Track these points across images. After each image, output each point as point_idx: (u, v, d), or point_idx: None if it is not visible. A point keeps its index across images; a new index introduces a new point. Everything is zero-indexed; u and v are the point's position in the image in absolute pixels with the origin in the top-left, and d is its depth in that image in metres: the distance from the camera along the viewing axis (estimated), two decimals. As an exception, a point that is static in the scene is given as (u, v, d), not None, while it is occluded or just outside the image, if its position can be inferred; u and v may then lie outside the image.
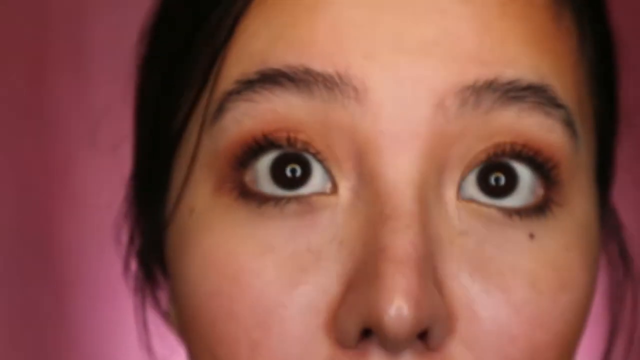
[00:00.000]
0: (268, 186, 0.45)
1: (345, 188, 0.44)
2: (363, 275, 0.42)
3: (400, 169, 0.43)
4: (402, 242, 0.42)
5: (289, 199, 0.44)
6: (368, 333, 0.42)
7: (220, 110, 0.46)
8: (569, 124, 0.46)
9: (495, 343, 0.44)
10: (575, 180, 0.47)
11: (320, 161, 0.45)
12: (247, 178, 0.45)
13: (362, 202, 0.44)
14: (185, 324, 0.47)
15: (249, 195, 0.45)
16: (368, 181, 0.44)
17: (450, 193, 0.44)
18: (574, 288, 0.45)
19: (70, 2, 0.95)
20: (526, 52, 0.45)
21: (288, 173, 0.45)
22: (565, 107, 0.46)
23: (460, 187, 0.45)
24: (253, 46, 0.46)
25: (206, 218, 0.46)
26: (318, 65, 0.44)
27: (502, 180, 0.45)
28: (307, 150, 0.44)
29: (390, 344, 0.42)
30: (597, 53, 0.51)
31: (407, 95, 0.43)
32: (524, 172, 0.45)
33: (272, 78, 0.44)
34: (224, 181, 0.46)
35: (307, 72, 0.44)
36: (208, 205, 0.46)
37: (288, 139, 0.44)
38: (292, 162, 0.45)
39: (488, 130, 0.44)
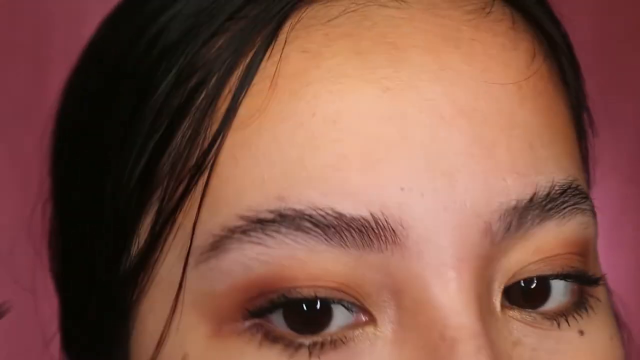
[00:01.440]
0: (284, 329, 0.39)
1: (384, 319, 0.40)
2: None
3: (452, 293, 0.39)
4: None
5: (322, 344, 0.39)
6: None
7: (218, 248, 0.40)
8: (594, 209, 0.44)
9: None
10: (599, 267, 0.46)
11: (347, 303, 0.40)
12: (259, 321, 0.40)
13: (409, 331, 0.40)
14: None
15: (269, 341, 0.39)
16: (413, 310, 0.40)
17: (497, 305, 0.42)
18: None
19: (70, 2, 0.95)
20: (549, 144, 0.43)
21: (306, 316, 0.39)
22: (589, 197, 0.44)
23: (503, 301, 0.42)
24: (262, 169, 0.39)
25: None
26: (350, 207, 0.39)
27: (534, 283, 0.43)
28: (333, 298, 0.39)
29: None
30: (575, 95, 0.49)
31: (451, 224, 0.40)
32: (557, 283, 0.43)
33: (293, 222, 0.39)
34: (226, 324, 0.40)
35: (338, 217, 0.38)
36: (206, 351, 0.41)
37: (315, 294, 0.39)
38: (309, 306, 0.40)
39: (532, 245, 0.42)
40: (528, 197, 0.41)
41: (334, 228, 0.39)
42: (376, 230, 0.39)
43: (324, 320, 0.40)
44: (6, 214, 0.95)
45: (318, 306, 0.39)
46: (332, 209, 0.39)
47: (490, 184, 0.41)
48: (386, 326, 0.40)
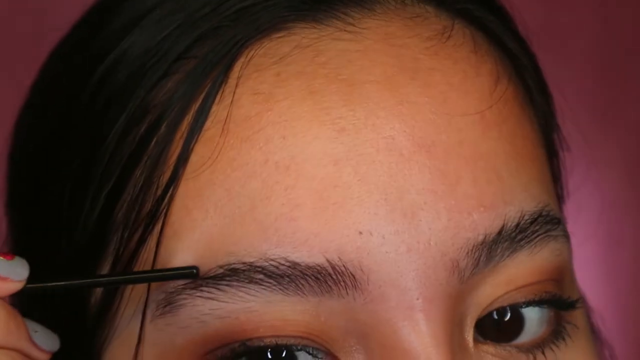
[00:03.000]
0: None
1: None
2: None
3: (422, 335, 0.39)
4: None
5: None
6: None
7: (171, 303, 0.38)
8: (567, 233, 0.43)
9: None
10: (577, 289, 0.45)
11: (311, 349, 0.39)
12: None
13: None
14: None
15: None
16: (383, 355, 0.39)
17: (469, 340, 0.41)
18: None
19: (70, 2, 0.94)
20: (516, 173, 0.42)
21: (268, 354, 0.38)
22: (561, 221, 0.43)
23: (475, 336, 0.42)
24: (211, 223, 0.38)
25: None
26: (304, 255, 0.37)
27: (508, 315, 0.42)
28: (296, 344, 0.38)
29: None
30: (543, 116, 0.47)
31: (416, 264, 0.39)
32: (532, 312, 0.42)
33: (244, 275, 0.37)
34: None
35: (292, 266, 0.37)
36: None
37: (276, 342, 0.38)
38: (273, 352, 0.38)
39: (503, 278, 0.41)
40: (496, 230, 0.41)
41: (289, 277, 0.37)
42: (334, 277, 0.38)
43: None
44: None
45: (283, 354, 0.38)
46: (285, 259, 0.37)
47: (455, 221, 0.40)
48: None
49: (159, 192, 0.39)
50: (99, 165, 0.39)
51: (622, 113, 0.98)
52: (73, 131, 0.41)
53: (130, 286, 0.38)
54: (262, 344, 0.38)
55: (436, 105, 0.40)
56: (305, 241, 0.37)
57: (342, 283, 0.38)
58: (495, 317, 0.41)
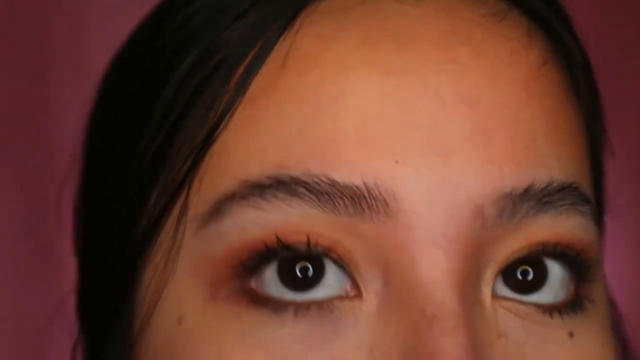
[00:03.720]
0: (275, 288, 0.40)
1: (370, 293, 0.41)
2: None
3: (439, 272, 0.40)
4: (453, 346, 0.39)
5: (308, 305, 0.40)
6: None
7: (217, 213, 0.41)
8: (597, 217, 0.44)
9: None
10: (601, 274, 0.46)
11: (338, 264, 0.41)
12: (253, 284, 0.41)
13: (393, 307, 0.40)
14: None
15: (259, 301, 0.40)
16: (399, 285, 0.40)
17: (486, 294, 0.42)
18: None
19: (70, 2, 0.95)
20: (554, 144, 0.44)
21: (298, 273, 0.41)
22: (592, 202, 0.44)
23: (494, 289, 0.42)
24: (264, 141, 0.41)
25: (203, 328, 0.41)
26: (344, 175, 0.40)
27: (530, 275, 0.43)
28: (326, 255, 0.40)
29: None
30: (591, 114, 0.49)
31: (445, 203, 0.40)
32: (554, 267, 0.43)
33: (288, 187, 0.40)
34: (222, 288, 0.41)
35: (332, 184, 0.40)
36: (202, 314, 0.42)
37: (308, 245, 0.40)
38: (302, 260, 0.41)
39: (525, 235, 0.42)
40: (524, 186, 0.42)
41: (327, 195, 0.40)
42: (368, 200, 0.40)
43: (316, 276, 0.41)
44: (6, 213, 0.95)
45: (311, 266, 0.40)
46: (326, 176, 0.40)
47: (486, 169, 0.41)
48: (371, 301, 0.41)
49: (216, 117, 0.42)
50: (170, 91, 0.43)
51: (623, 115, 0.98)
52: (153, 62, 0.45)
53: (180, 200, 0.42)
54: (293, 247, 0.40)
55: (484, 69, 0.43)
56: (345, 163, 0.40)
57: (375, 207, 0.40)
58: (520, 276, 0.43)
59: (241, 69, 0.42)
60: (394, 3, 0.43)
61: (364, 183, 0.40)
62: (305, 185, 0.40)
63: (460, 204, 0.41)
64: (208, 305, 0.41)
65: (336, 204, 0.40)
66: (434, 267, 0.40)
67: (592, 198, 0.45)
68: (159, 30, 0.46)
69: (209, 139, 0.42)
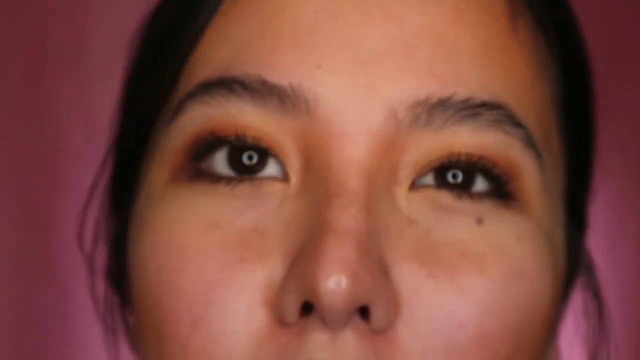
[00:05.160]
0: (224, 170, 0.46)
1: (295, 177, 0.45)
2: (305, 251, 0.43)
3: (346, 159, 0.44)
4: (344, 215, 0.43)
5: (241, 179, 0.45)
6: (309, 310, 0.42)
7: (179, 110, 0.47)
8: (530, 143, 0.46)
9: (443, 329, 0.43)
10: (540, 200, 0.47)
11: (272, 154, 0.46)
12: (203, 165, 0.46)
13: (309, 189, 0.45)
14: (136, 306, 0.48)
15: (202, 175, 0.46)
16: (317, 171, 0.45)
17: (402, 188, 0.45)
18: (526, 279, 0.45)
19: (70, 2, 0.94)
20: (481, 66, 0.46)
21: (245, 160, 0.46)
22: (525, 127, 0.46)
23: (414, 183, 0.45)
24: (221, 52, 0.47)
25: (160, 200, 0.47)
26: (274, 76, 0.45)
27: (460, 177, 0.45)
28: (257, 145, 0.46)
29: (328, 317, 0.41)
30: (564, 75, 0.50)
31: (359, 104, 0.44)
32: (478, 178, 0.46)
33: (228, 85, 0.46)
34: (179, 171, 0.47)
35: (263, 82, 0.45)
36: (163, 191, 0.47)
37: (237, 135, 0.46)
38: (249, 150, 0.46)
39: (443, 144, 0.45)
40: (441, 96, 0.45)
41: (259, 92, 0.45)
42: (292, 98, 0.45)
43: (260, 164, 0.46)
44: (6, 213, 0.95)
45: (255, 152, 0.46)
46: (259, 77, 0.45)
47: (403, 78, 0.45)
48: (295, 184, 0.45)
49: (195, 29, 0.49)
50: (170, 21, 0.51)
51: (622, 111, 0.98)
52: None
53: (166, 106, 0.49)
54: (234, 137, 0.46)
55: None
56: (277, 67, 0.45)
57: (299, 105, 0.45)
58: (450, 179, 0.46)
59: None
60: None
61: (290, 84, 0.45)
62: (242, 84, 0.45)
63: (375, 106, 0.45)
64: (168, 186, 0.47)
65: (267, 100, 0.45)
66: (343, 154, 0.44)
67: (534, 130, 0.47)
68: None
69: (189, 48, 0.48)
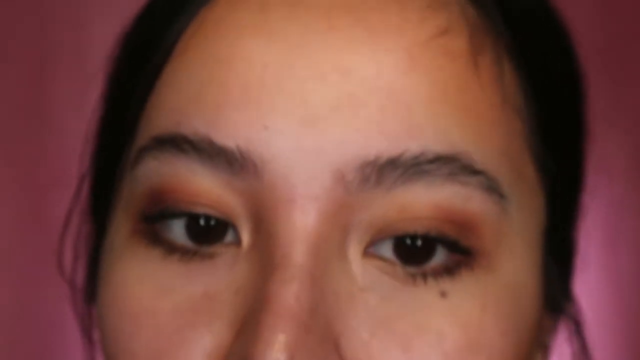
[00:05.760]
0: (180, 238, 0.45)
1: (246, 239, 0.44)
2: (249, 324, 0.42)
3: (294, 226, 0.43)
4: (285, 294, 0.42)
5: (195, 251, 0.45)
6: None
7: (136, 161, 0.46)
8: (490, 188, 0.45)
9: None
10: (502, 245, 0.46)
11: (225, 220, 0.45)
12: (158, 227, 0.46)
13: (259, 254, 0.44)
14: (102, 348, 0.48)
15: (158, 242, 0.45)
16: (265, 238, 0.43)
17: (354, 251, 0.44)
18: (485, 349, 0.44)
19: (70, 2, 0.94)
20: (435, 116, 0.44)
21: (201, 225, 0.45)
22: (485, 172, 0.45)
23: (372, 247, 0.44)
24: (173, 100, 0.46)
25: (119, 259, 0.47)
26: (221, 136, 0.44)
27: (419, 242, 0.44)
28: (210, 213, 0.45)
29: None
30: (540, 100, 0.48)
31: (305, 167, 0.43)
32: (441, 248, 0.44)
33: (178, 144, 0.45)
34: (138, 231, 0.46)
35: (210, 143, 0.44)
36: (124, 246, 0.47)
37: (190, 201, 0.45)
38: (203, 217, 0.45)
39: (396, 203, 0.44)
40: (391, 155, 0.43)
41: (207, 153, 0.44)
42: (240, 161, 0.44)
43: (214, 233, 0.45)
44: (6, 213, 0.95)
45: (212, 222, 0.45)
46: (208, 137, 0.44)
47: (350, 137, 0.43)
48: (246, 249, 0.44)
49: (152, 70, 0.48)
50: (136, 53, 0.50)
51: (620, 114, 0.98)
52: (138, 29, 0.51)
53: (129, 149, 0.48)
54: (181, 208, 0.45)
55: (364, 38, 0.44)
56: (224, 126, 0.44)
57: (246, 168, 0.44)
58: (409, 242, 0.44)
59: (174, 29, 0.47)
60: None
61: (237, 146, 0.44)
62: (190, 143, 0.44)
63: (322, 168, 0.43)
64: (128, 242, 0.47)
65: (215, 162, 0.44)
66: (289, 222, 0.43)
67: (499, 170, 0.45)
68: (142, 8, 0.52)
69: (146, 90, 0.47)
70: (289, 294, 0.42)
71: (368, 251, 0.44)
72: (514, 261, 0.46)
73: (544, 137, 0.48)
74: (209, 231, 0.45)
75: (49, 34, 0.95)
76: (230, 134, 0.44)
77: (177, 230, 0.45)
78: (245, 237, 0.44)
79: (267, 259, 0.43)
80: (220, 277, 0.44)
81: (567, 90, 0.50)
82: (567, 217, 0.51)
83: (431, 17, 0.45)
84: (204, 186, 0.44)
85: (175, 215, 0.45)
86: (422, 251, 0.44)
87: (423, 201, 0.43)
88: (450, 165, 0.44)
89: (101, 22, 0.93)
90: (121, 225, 0.48)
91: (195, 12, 0.47)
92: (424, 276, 0.44)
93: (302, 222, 0.43)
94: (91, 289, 0.55)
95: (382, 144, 0.43)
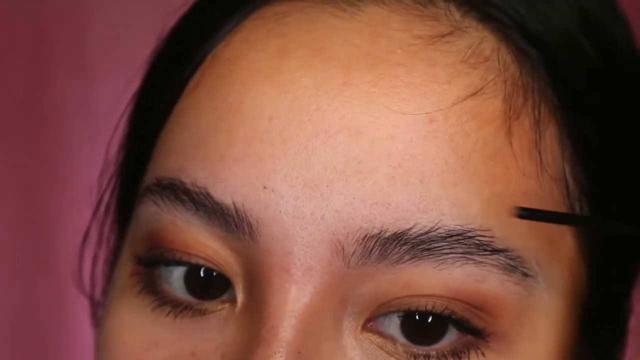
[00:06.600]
0: (179, 290, 0.44)
1: (240, 299, 0.42)
2: None
3: (285, 299, 0.40)
4: None
5: (187, 306, 0.43)
6: None
7: (141, 200, 0.45)
8: (510, 268, 0.41)
9: None
10: (524, 326, 0.42)
11: (221, 276, 0.43)
12: (157, 273, 0.44)
13: (250, 320, 0.42)
14: None
15: (151, 292, 0.44)
16: (257, 303, 0.41)
17: (351, 326, 0.41)
18: None
19: (70, 2, 0.95)
20: (452, 186, 0.41)
21: (201, 279, 0.43)
22: (507, 250, 0.41)
23: (374, 321, 0.41)
24: (180, 141, 0.44)
25: (118, 299, 0.46)
26: (219, 192, 0.41)
27: (429, 319, 0.41)
28: (206, 265, 0.43)
29: None
30: (588, 153, 0.44)
31: (303, 235, 0.40)
32: (452, 328, 0.41)
33: (177, 194, 0.42)
34: (137, 267, 0.45)
35: (208, 196, 0.42)
36: (124, 285, 0.46)
37: (186, 252, 0.43)
38: (202, 269, 0.43)
39: (401, 279, 0.40)
40: (397, 230, 0.40)
41: (204, 208, 0.42)
42: (236, 220, 0.41)
43: (212, 289, 0.43)
44: (6, 213, 0.96)
45: (215, 274, 0.43)
46: (205, 190, 0.42)
47: (355, 207, 0.40)
48: (239, 307, 0.42)
49: (163, 107, 0.46)
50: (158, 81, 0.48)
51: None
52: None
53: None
54: (175, 258, 0.43)
55: (381, 96, 0.41)
56: (223, 180, 0.41)
57: (242, 228, 0.41)
58: (418, 319, 0.41)
59: (190, 67, 0.45)
60: (327, 15, 0.42)
61: (233, 203, 0.41)
62: (188, 194, 0.42)
63: (321, 238, 0.40)
64: (128, 277, 0.45)
65: (211, 217, 0.42)
66: (281, 292, 0.41)
67: (525, 245, 0.41)
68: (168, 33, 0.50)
69: (158, 124, 0.46)
70: None
71: (368, 325, 0.41)
72: (536, 345, 0.42)
73: (592, 204, 0.44)
74: (208, 284, 0.43)
75: (49, 34, 0.95)
76: (228, 190, 0.41)
77: (176, 279, 0.43)
78: (240, 297, 0.42)
79: (255, 328, 0.41)
80: (210, 337, 0.42)
81: (627, 150, 0.45)
82: (619, 287, 0.47)
83: (463, 74, 0.41)
84: (200, 239, 0.42)
85: (171, 263, 0.43)
86: (433, 329, 0.41)
87: (431, 281, 0.40)
88: (464, 243, 0.40)
89: (102, 23, 0.93)
90: (126, 260, 0.46)
91: (212, 49, 0.45)
92: (427, 358, 0.41)
93: (294, 294, 0.40)
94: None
95: (388, 216, 0.40)
